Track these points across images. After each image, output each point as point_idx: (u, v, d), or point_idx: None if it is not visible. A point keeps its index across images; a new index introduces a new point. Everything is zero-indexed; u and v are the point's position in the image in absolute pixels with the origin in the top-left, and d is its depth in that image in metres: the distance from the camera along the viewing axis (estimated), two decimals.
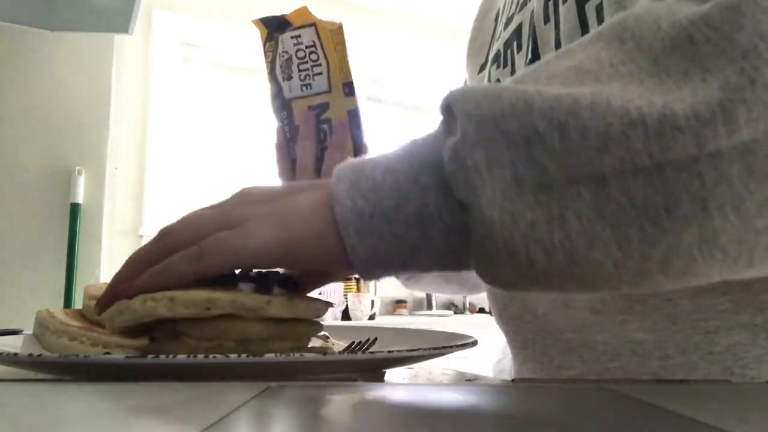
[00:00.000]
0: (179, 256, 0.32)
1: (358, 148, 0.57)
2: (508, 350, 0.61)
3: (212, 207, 0.35)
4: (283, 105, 0.57)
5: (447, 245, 0.29)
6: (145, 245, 0.35)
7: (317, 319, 0.37)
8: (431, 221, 0.29)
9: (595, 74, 0.27)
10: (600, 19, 0.42)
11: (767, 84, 0.23)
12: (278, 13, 0.56)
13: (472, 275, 0.69)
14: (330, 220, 0.30)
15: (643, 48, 0.27)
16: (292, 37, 0.55)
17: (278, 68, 0.57)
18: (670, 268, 0.26)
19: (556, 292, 0.29)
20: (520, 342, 0.52)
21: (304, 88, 0.56)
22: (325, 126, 0.55)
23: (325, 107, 0.55)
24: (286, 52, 0.56)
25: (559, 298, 0.47)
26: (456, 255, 0.30)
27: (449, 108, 0.29)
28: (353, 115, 0.56)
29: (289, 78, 0.56)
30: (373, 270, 0.31)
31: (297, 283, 0.37)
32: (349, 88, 0.56)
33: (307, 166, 0.56)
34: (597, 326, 0.44)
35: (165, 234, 0.34)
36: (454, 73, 2.81)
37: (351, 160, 0.32)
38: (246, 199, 0.34)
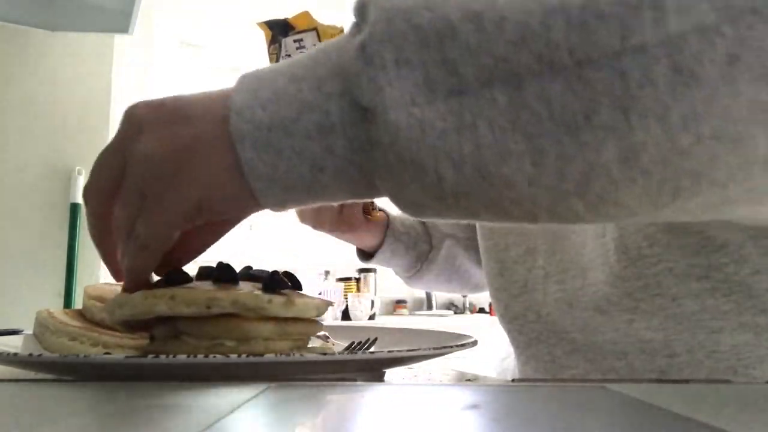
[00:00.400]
0: (131, 252, 0.31)
1: None
2: (512, 349, 0.61)
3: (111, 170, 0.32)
4: None
5: (352, 162, 0.26)
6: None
7: (317, 319, 0.37)
8: (333, 133, 0.26)
9: None
10: None
11: None
12: (281, 16, 0.57)
13: (472, 275, 0.69)
14: (226, 137, 0.27)
15: None
16: (294, 41, 0.55)
17: None
18: (588, 190, 0.23)
19: (467, 217, 0.26)
20: (523, 341, 0.52)
21: None
22: None
23: None
24: (289, 55, 0.56)
25: (563, 298, 0.47)
26: (364, 175, 0.26)
27: (363, 6, 0.26)
28: None
29: None
30: (275, 194, 0.28)
31: (300, 283, 0.37)
32: None
33: None
34: (604, 326, 0.44)
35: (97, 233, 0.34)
36: None
37: (257, 68, 0.29)
38: (141, 157, 0.30)
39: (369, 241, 0.66)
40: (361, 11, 0.26)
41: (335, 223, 0.59)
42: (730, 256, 0.39)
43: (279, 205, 0.29)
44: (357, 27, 0.26)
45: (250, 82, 0.28)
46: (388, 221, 0.67)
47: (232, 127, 0.27)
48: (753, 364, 0.38)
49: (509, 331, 0.55)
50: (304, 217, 0.60)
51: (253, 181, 0.28)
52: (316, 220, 0.59)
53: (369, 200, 0.62)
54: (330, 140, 0.26)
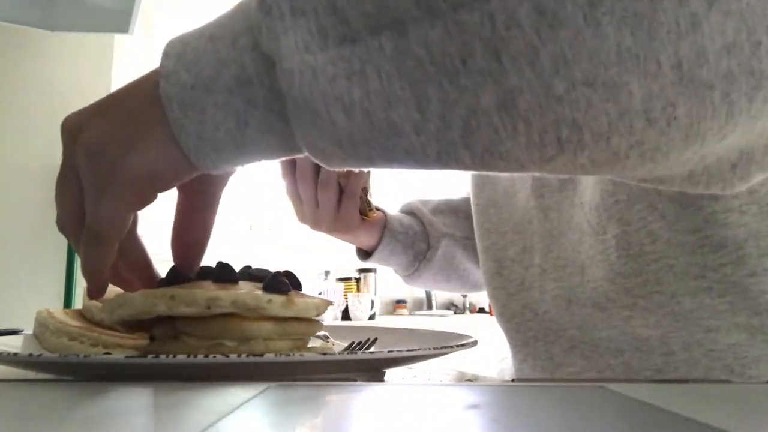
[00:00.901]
0: (84, 252, 0.32)
1: None
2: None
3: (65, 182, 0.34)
4: None
5: (273, 112, 0.27)
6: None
7: (317, 318, 0.37)
8: (251, 85, 0.26)
9: None
10: None
11: None
12: None
13: (471, 273, 0.69)
14: (158, 103, 0.28)
15: None
16: None
17: None
18: (473, 140, 0.24)
19: (369, 164, 0.27)
20: (521, 340, 0.52)
21: None
22: None
23: None
24: None
25: (562, 296, 0.47)
26: (286, 124, 0.27)
27: None
28: None
29: None
30: (206, 152, 0.28)
31: (299, 283, 0.37)
32: None
33: (306, 168, 0.57)
34: (602, 323, 0.44)
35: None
36: None
37: (182, 33, 0.30)
38: (87, 157, 0.32)
39: (367, 241, 0.66)
40: None
41: (332, 223, 0.60)
42: (728, 256, 0.39)
43: (213, 165, 0.30)
44: None
45: (176, 46, 0.29)
46: (385, 221, 0.67)
47: (161, 90, 0.28)
48: (749, 364, 0.39)
49: (507, 330, 0.55)
50: (303, 218, 0.61)
51: (184, 142, 0.28)
52: (314, 220, 0.60)
53: (367, 202, 0.62)
54: (249, 92, 0.26)
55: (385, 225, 0.67)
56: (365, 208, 0.63)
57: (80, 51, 1.95)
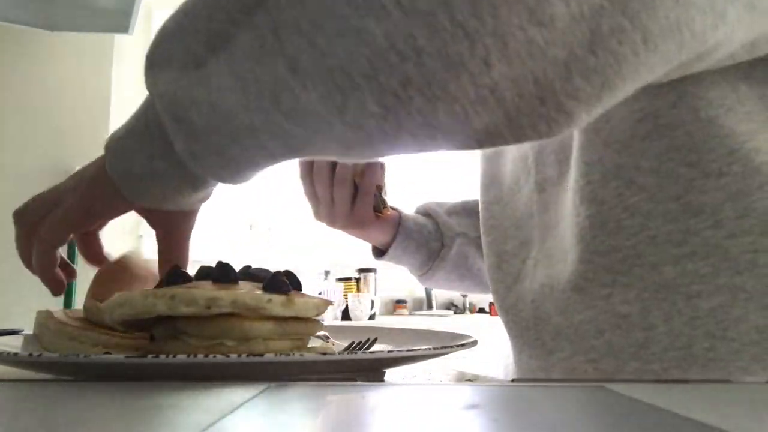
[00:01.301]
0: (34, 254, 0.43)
1: None
2: None
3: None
4: None
5: (169, 143, 0.35)
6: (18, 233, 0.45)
7: (317, 318, 0.37)
8: (149, 129, 0.36)
9: None
10: None
11: None
12: None
13: (485, 273, 0.70)
14: (101, 162, 0.39)
15: None
16: None
17: None
18: (279, 102, 0.30)
19: (224, 150, 0.34)
20: (517, 330, 0.53)
21: None
22: None
23: None
24: None
25: (547, 283, 0.48)
26: (171, 147, 0.35)
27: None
28: None
29: None
30: (132, 185, 0.38)
31: (299, 282, 0.37)
32: None
33: (323, 168, 0.60)
34: (580, 304, 0.45)
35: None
36: None
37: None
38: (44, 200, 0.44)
39: (381, 238, 0.69)
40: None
41: (347, 219, 0.63)
42: (706, 220, 0.40)
43: (138, 196, 0.39)
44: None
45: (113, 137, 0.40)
46: (400, 219, 0.69)
47: (105, 149, 0.39)
48: (730, 327, 0.39)
49: (506, 323, 0.56)
50: (319, 216, 0.64)
51: (115, 179, 0.38)
52: (329, 218, 0.63)
53: (381, 200, 0.64)
54: (152, 134, 0.36)
55: (399, 223, 0.69)
56: (379, 206, 0.65)
57: (80, 51, 1.95)
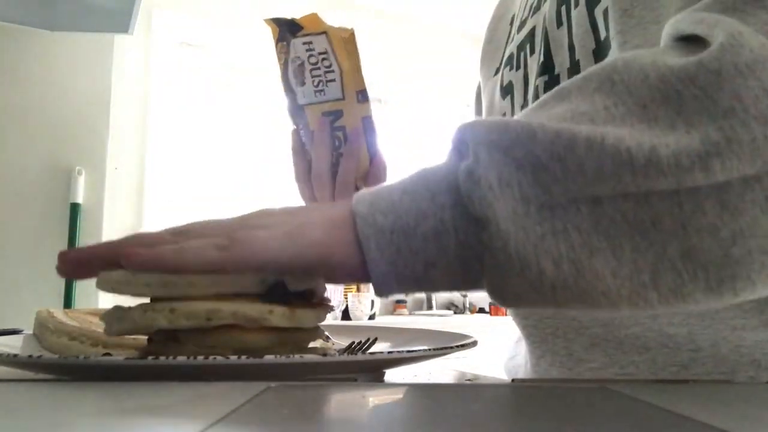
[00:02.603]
0: (206, 241, 0.32)
1: (373, 155, 0.57)
2: (520, 347, 0.61)
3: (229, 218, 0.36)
4: (297, 110, 0.57)
5: (461, 260, 0.31)
6: (155, 232, 0.34)
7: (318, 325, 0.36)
8: (447, 236, 0.30)
9: (590, 115, 0.30)
10: (606, 22, 0.43)
11: (741, 141, 0.27)
12: (287, 16, 0.56)
13: None
14: (350, 234, 0.32)
15: (633, 94, 0.30)
16: (303, 43, 0.54)
17: (291, 73, 0.56)
18: (660, 282, 0.28)
19: (557, 306, 0.30)
20: (539, 336, 0.53)
21: (317, 94, 0.56)
22: (339, 133, 0.55)
23: (338, 114, 0.55)
24: (299, 57, 0.55)
25: None
26: (467, 271, 0.31)
27: (462, 137, 0.31)
28: (367, 123, 0.56)
29: (303, 84, 0.56)
30: (389, 285, 0.32)
31: (304, 293, 0.37)
32: (362, 96, 0.55)
33: (323, 172, 0.57)
34: (628, 320, 0.45)
35: (183, 229, 0.34)
36: (458, 74, 2.79)
37: (367, 188, 0.34)
38: (265, 211, 0.35)
39: None
40: (460, 139, 0.32)
41: None
42: None
43: (389, 293, 0.33)
44: (458, 152, 0.32)
45: (367, 196, 0.33)
46: None
47: (358, 228, 0.31)
48: None
49: (525, 327, 0.55)
50: None
51: (375, 277, 0.31)
52: None
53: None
54: (444, 242, 0.30)
55: None
56: None
57: (80, 51, 1.95)
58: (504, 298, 0.31)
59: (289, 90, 0.57)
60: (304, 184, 0.59)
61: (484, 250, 0.30)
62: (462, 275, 0.31)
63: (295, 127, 0.58)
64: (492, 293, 0.31)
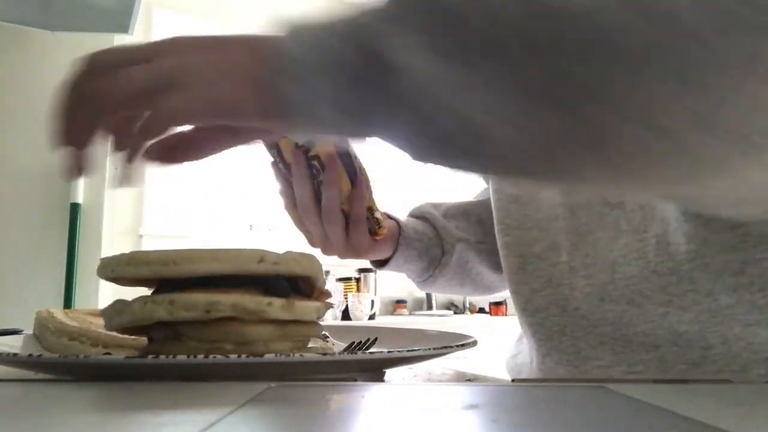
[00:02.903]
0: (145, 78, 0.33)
1: (352, 176, 0.56)
2: (522, 345, 0.61)
3: (140, 52, 0.35)
4: (270, 144, 0.55)
5: (366, 97, 0.30)
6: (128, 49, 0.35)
7: (317, 320, 0.37)
8: (354, 71, 0.29)
9: None
10: None
11: None
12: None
13: (484, 277, 0.69)
14: (264, 62, 0.31)
15: None
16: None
17: None
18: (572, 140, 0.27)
19: (435, 157, 0.30)
20: (545, 334, 0.53)
21: None
22: (315, 162, 0.54)
23: (311, 143, 0.53)
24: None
25: (593, 293, 0.48)
26: (368, 110, 0.30)
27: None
28: (341, 147, 0.54)
29: None
30: (297, 109, 0.31)
31: (300, 287, 0.37)
32: None
33: (307, 205, 0.56)
34: (637, 318, 0.45)
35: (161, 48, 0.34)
36: None
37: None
38: (177, 46, 0.34)
39: (382, 255, 0.66)
40: None
41: (344, 251, 0.60)
42: (765, 251, 0.40)
43: (294, 119, 0.32)
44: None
45: (288, 29, 0.32)
46: (399, 228, 0.67)
47: (281, 52, 0.31)
48: None
49: (530, 324, 0.55)
50: (314, 245, 0.61)
51: (283, 91, 0.31)
52: (325, 249, 0.60)
53: (375, 221, 0.61)
54: (351, 75, 0.29)
55: (399, 233, 0.66)
56: (374, 228, 0.61)
57: (80, 51, 1.95)
58: (393, 140, 0.31)
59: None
60: (293, 212, 0.59)
61: (381, 89, 0.29)
62: (359, 113, 0.30)
63: (272, 159, 0.57)
64: (383, 137, 0.31)
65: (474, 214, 0.72)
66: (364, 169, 0.57)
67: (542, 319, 0.53)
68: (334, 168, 0.54)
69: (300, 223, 0.59)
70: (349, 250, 0.60)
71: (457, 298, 2.89)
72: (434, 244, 0.69)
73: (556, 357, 0.51)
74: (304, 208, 0.57)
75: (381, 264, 0.69)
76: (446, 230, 0.70)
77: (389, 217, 0.66)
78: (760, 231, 0.39)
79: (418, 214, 0.73)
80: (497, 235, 0.61)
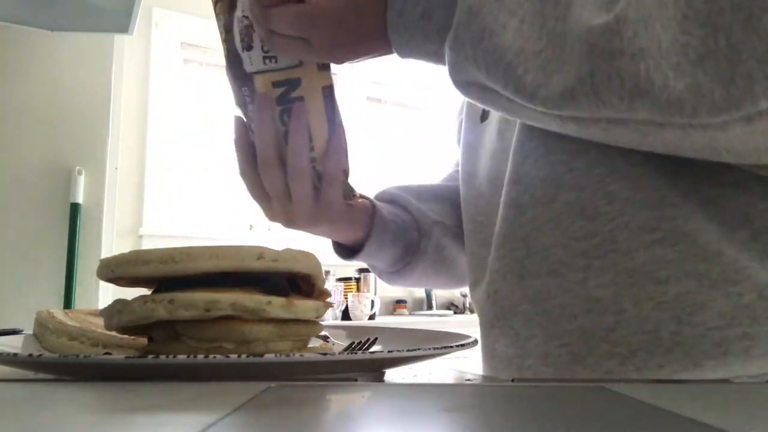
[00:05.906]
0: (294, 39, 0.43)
1: (331, 132, 0.49)
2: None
3: None
4: (243, 79, 0.48)
5: (443, 20, 0.40)
6: None
7: (317, 319, 0.37)
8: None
9: None
10: None
11: None
12: None
13: (459, 264, 0.71)
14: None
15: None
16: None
17: (236, 35, 0.47)
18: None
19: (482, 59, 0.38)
20: (488, 322, 0.54)
21: (267, 61, 0.47)
22: (292, 105, 0.47)
23: (295, 84, 0.47)
24: (246, 17, 0.46)
25: (511, 271, 0.49)
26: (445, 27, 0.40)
27: None
28: (328, 93, 0.48)
29: (249, 48, 0.47)
30: (398, 28, 0.42)
31: (300, 286, 0.37)
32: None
33: (268, 156, 0.49)
34: (555, 290, 0.46)
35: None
36: None
37: None
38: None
39: (352, 234, 0.58)
40: None
41: (311, 216, 0.51)
42: (679, 209, 0.41)
43: (399, 39, 0.43)
44: None
45: None
46: (373, 209, 0.59)
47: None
48: (695, 312, 0.40)
49: (479, 315, 0.57)
50: (274, 215, 0.53)
51: (390, 17, 0.42)
52: (286, 217, 0.52)
53: (350, 188, 0.54)
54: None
55: (374, 212, 0.59)
56: (349, 194, 0.53)
57: (80, 51, 1.95)
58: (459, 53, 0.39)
59: (232, 56, 0.48)
60: (252, 176, 0.51)
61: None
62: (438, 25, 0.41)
63: (239, 106, 0.49)
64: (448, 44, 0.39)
65: (446, 198, 0.68)
66: (343, 125, 0.51)
67: (481, 309, 0.55)
68: (305, 113, 0.47)
69: (256, 185, 0.51)
70: (317, 216, 0.52)
71: (457, 298, 2.88)
72: (410, 227, 0.63)
73: (502, 341, 0.52)
74: (265, 162, 0.49)
75: (351, 253, 0.62)
76: (420, 212, 0.64)
77: (361, 196, 0.59)
78: (676, 190, 0.41)
79: (386, 198, 0.66)
80: (465, 234, 0.60)
